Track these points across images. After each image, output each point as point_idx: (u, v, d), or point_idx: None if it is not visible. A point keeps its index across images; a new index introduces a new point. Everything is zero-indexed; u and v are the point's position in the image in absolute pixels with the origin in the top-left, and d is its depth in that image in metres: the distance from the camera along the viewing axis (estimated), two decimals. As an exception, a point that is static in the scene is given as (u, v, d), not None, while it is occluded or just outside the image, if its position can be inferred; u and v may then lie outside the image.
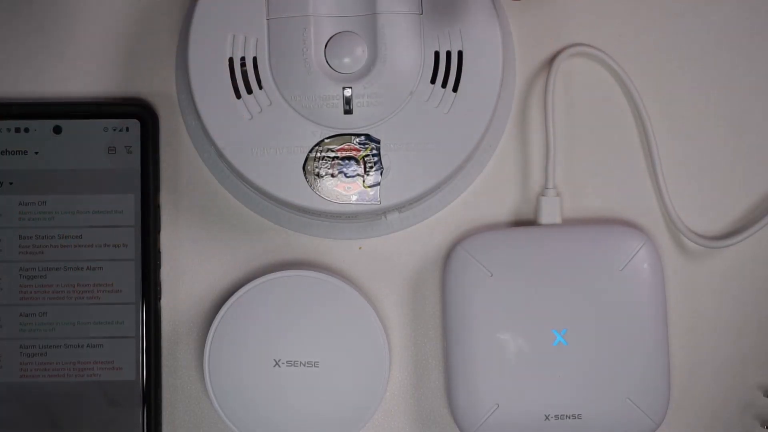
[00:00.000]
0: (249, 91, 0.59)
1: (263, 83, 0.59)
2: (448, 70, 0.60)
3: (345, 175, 0.59)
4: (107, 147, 0.62)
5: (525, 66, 0.64)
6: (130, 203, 0.62)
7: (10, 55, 0.64)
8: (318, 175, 0.59)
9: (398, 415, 0.64)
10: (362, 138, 0.59)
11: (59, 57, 0.64)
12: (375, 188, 0.59)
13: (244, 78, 0.59)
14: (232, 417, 0.60)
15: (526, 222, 0.64)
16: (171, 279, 0.64)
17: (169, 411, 0.63)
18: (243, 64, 0.60)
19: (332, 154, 0.59)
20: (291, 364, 0.60)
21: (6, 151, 0.62)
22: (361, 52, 0.59)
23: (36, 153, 0.62)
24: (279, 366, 0.60)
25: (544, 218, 0.63)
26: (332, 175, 0.59)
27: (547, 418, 0.61)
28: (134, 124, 0.63)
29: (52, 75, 0.64)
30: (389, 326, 0.64)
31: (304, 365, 0.60)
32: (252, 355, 0.60)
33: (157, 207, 0.63)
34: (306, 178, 0.59)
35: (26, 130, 0.62)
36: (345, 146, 0.59)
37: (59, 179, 0.62)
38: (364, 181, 0.59)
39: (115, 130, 0.62)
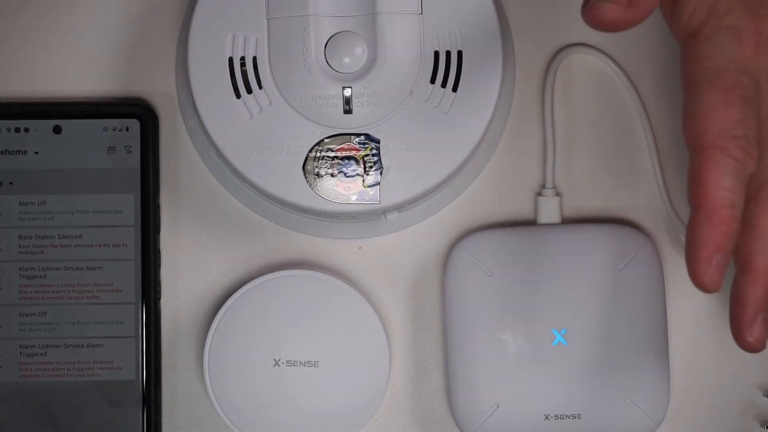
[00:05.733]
0: (249, 90, 0.59)
1: (263, 83, 0.59)
2: (447, 69, 0.60)
3: (345, 174, 0.59)
4: (107, 147, 0.62)
5: (525, 66, 0.64)
6: (130, 203, 0.62)
7: (10, 55, 0.64)
8: (318, 174, 0.59)
9: (398, 415, 0.64)
10: (362, 138, 0.59)
11: (59, 57, 0.64)
12: (375, 188, 0.59)
13: (244, 78, 0.59)
14: (232, 417, 0.60)
15: (525, 222, 0.64)
16: (171, 279, 0.64)
17: (169, 411, 0.63)
18: (243, 64, 0.60)
19: (332, 154, 0.59)
20: (291, 363, 0.60)
21: (6, 151, 0.62)
22: (361, 51, 0.59)
23: (36, 153, 0.62)
24: (279, 366, 0.60)
25: (544, 218, 0.63)
26: (332, 175, 0.59)
27: (547, 418, 0.61)
28: (134, 124, 0.63)
29: (52, 75, 0.64)
30: (389, 326, 0.64)
31: (304, 365, 0.60)
32: (252, 355, 0.60)
33: (157, 207, 0.63)
34: (306, 178, 0.59)
35: (26, 130, 0.62)
36: (345, 146, 0.59)
37: (59, 179, 0.62)
38: (363, 181, 0.59)
39: (115, 130, 0.62)
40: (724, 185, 0.52)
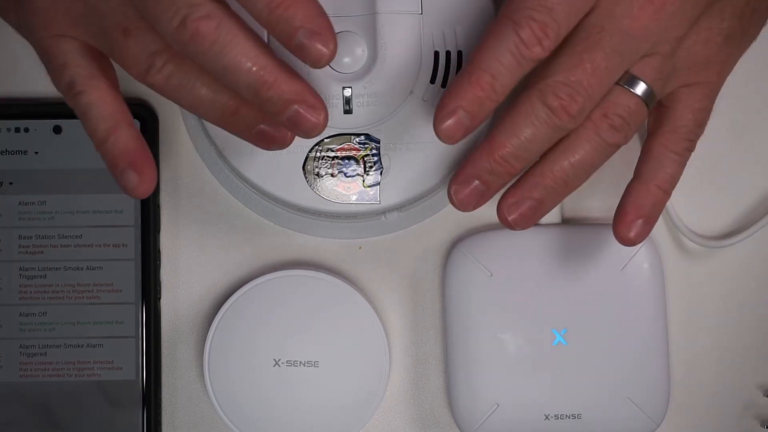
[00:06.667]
0: (249, 91, 0.59)
1: (263, 83, 0.59)
2: (447, 69, 0.60)
3: (345, 174, 0.59)
4: (107, 147, 0.62)
5: (525, 66, 0.64)
6: (130, 203, 0.62)
7: (10, 54, 0.64)
8: (318, 174, 0.59)
9: (398, 415, 0.64)
10: (362, 138, 0.59)
11: (59, 57, 0.64)
12: (375, 188, 0.59)
13: (244, 78, 0.59)
14: (232, 417, 0.60)
15: (526, 222, 0.64)
16: (171, 279, 0.64)
17: (169, 411, 0.63)
18: (243, 64, 0.59)
19: (332, 154, 0.59)
20: (291, 364, 0.60)
21: (6, 151, 0.62)
22: (361, 52, 0.59)
23: (36, 153, 0.62)
24: (279, 366, 0.60)
25: (544, 218, 0.63)
26: (332, 175, 0.59)
27: (547, 417, 0.61)
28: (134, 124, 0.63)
29: (52, 75, 0.64)
30: (389, 326, 0.64)
31: (304, 365, 0.60)
32: (252, 355, 0.60)
33: (157, 207, 0.63)
34: (306, 178, 0.59)
35: (26, 130, 0.62)
36: (345, 146, 0.59)
37: (59, 179, 0.62)
38: (363, 181, 0.59)
39: (115, 130, 0.62)
40: (495, 55, 0.52)
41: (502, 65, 0.52)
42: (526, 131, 0.53)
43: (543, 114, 0.53)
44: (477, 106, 0.52)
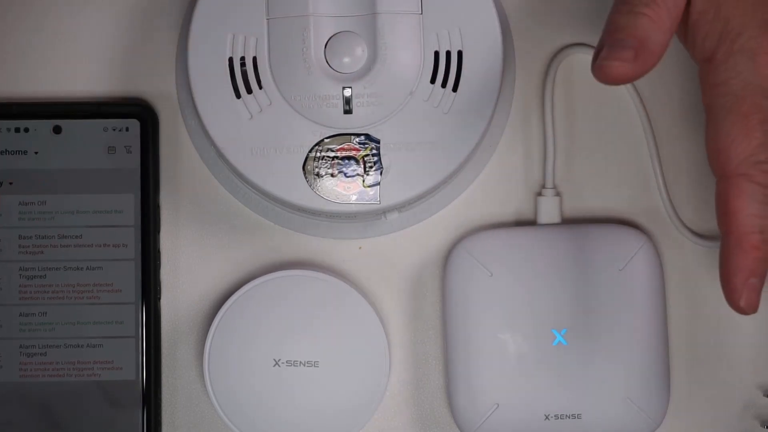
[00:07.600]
0: (249, 90, 0.59)
1: (263, 83, 0.59)
2: (448, 69, 0.60)
3: (345, 174, 0.59)
4: (107, 147, 0.62)
5: (525, 66, 0.64)
6: (129, 203, 0.62)
7: (10, 54, 0.64)
8: (318, 174, 0.59)
9: (398, 415, 0.64)
10: (362, 138, 0.59)
11: (59, 57, 0.64)
12: (375, 188, 0.59)
13: (244, 78, 0.59)
14: (232, 417, 0.60)
15: (526, 222, 0.64)
16: (171, 279, 0.64)
17: (169, 411, 0.63)
18: (243, 64, 0.60)
19: (332, 154, 0.59)
20: (291, 364, 0.60)
21: (6, 151, 0.62)
22: (361, 51, 0.59)
23: (36, 153, 0.62)
24: (279, 366, 0.60)
25: (544, 218, 0.63)
26: (332, 175, 0.59)
27: (547, 417, 0.61)
28: (134, 124, 0.63)
29: (52, 75, 0.64)
30: (389, 326, 0.64)
31: (304, 365, 0.60)
32: (252, 355, 0.60)
33: (157, 207, 0.63)
34: (306, 178, 0.59)
35: (26, 130, 0.62)
36: (345, 146, 0.59)
37: (59, 179, 0.62)
38: (363, 181, 0.59)
39: (114, 130, 0.62)
40: (751, 212, 0.53)
41: (761, 218, 0.53)
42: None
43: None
44: (761, 266, 0.53)
